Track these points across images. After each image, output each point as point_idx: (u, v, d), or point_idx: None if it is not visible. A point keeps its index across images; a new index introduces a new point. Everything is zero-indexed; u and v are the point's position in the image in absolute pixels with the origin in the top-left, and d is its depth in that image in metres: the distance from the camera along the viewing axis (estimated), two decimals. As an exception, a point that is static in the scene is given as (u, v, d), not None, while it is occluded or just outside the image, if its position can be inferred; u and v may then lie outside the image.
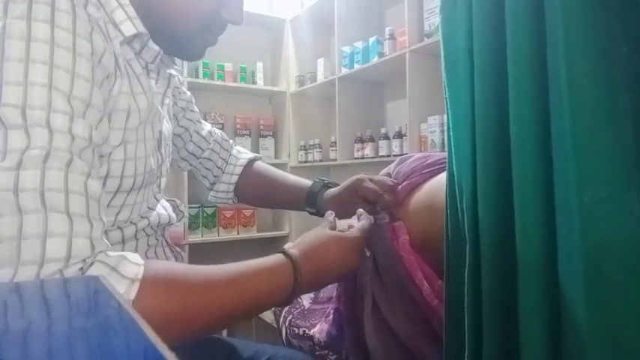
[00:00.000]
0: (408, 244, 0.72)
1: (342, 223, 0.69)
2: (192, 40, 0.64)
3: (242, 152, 0.98)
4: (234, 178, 0.94)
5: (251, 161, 0.96)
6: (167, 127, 0.71)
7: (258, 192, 0.96)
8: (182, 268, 0.50)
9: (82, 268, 0.43)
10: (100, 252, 0.45)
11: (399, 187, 0.79)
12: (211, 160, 0.94)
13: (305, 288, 0.58)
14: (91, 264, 0.44)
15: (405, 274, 0.70)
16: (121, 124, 0.55)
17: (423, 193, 0.76)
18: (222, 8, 0.63)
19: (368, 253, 0.67)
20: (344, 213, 0.77)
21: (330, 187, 0.89)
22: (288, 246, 0.60)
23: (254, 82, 2.63)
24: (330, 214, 0.70)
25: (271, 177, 0.95)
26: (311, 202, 0.88)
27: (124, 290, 0.43)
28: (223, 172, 0.95)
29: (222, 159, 0.95)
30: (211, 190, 0.97)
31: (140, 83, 0.59)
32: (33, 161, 0.42)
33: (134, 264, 0.45)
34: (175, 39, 0.63)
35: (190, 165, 0.94)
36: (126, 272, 0.44)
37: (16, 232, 0.41)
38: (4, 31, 0.44)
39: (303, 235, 0.63)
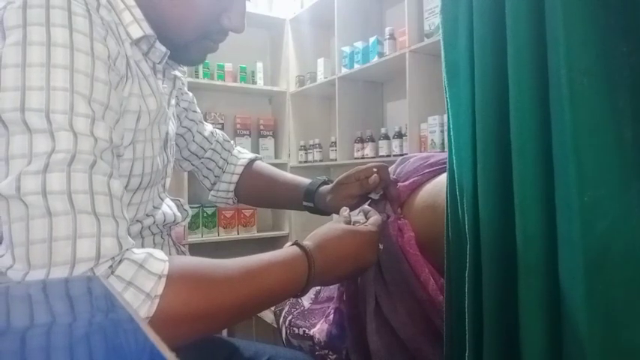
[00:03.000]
0: (414, 241, 0.72)
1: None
2: (191, 47, 0.64)
3: (243, 152, 0.98)
4: (235, 178, 0.94)
5: (251, 161, 0.97)
6: (172, 127, 0.71)
7: (257, 191, 0.96)
8: (204, 263, 0.51)
9: (111, 266, 0.44)
10: (127, 250, 0.46)
11: (399, 184, 0.79)
12: (213, 161, 0.94)
13: (319, 279, 0.59)
14: (120, 262, 0.45)
15: (409, 271, 0.70)
16: (132, 125, 0.56)
17: (425, 192, 0.76)
18: (223, 16, 0.62)
19: (381, 247, 0.67)
20: (340, 200, 0.78)
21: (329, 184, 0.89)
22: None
23: (254, 82, 2.63)
24: (344, 210, 0.71)
25: (271, 175, 0.96)
26: (309, 197, 0.88)
27: (152, 286, 0.44)
28: (224, 172, 0.95)
29: (224, 159, 0.95)
30: (212, 189, 0.97)
31: (149, 85, 0.60)
32: (59, 164, 0.44)
33: (160, 260, 0.47)
34: (173, 46, 0.63)
35: (192, 165, 0.95)
36: (153, 269, 0.46)
37: (46, 234, 0.42)
38: (24, 38, 0.45)
39: (318, 228, 0.64)
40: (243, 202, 0.99)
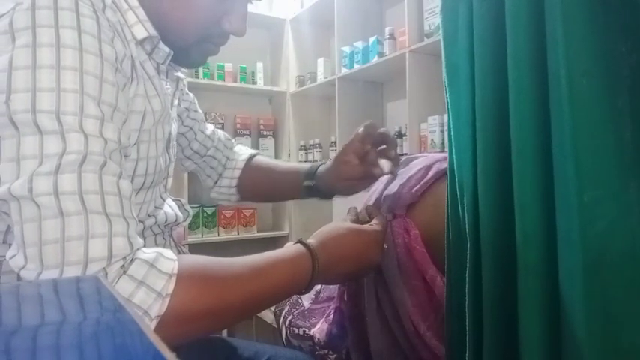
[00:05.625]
0: (420, 238, 0.72)
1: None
2: (191, 50, 0.64)
3: (243, 149, 0.99)
4: (237, 173, 0.95)
5: (252, 156, 0.97)
6: (174, 128, 0.72)
7: (258, 183, 0.96)
8: (212, 261, 0.52)
9: (123, 266, 0.45)
10: (137, 249, 0.47)
11: (413, 189, 0.77)
12: (215, 159, 0.94)
13: (323, 276, 0.59)
14: (131, 261, 0.46)
15: (413, 269, 0.70)
16: (137, 126, 0.57)
17: (427, 192, 0.76)
18: (224, 19, 0.62)
19: (386, 246, 0.67)
20: (343, 181, 0.78)
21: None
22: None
23: (254, 82, 2.63)
24: (353, 209, 0.71)
25: (269, 165, 0.96)
26: (309, 176, 0.86)
27: (163, 285, 0.45)
28: (225, 169, 0.95)
29: (226, 157, 0.95)
30: (214, 187, 0.97)
31: (154, 85, 0.60)
32: (70, 165, 0.44)
33: (170, 259, 0.48)
34: (174, 48, 0.63)
35: (194, 164, 0.95)
36: (163, 268, 0.46)
37: (59, 235, 0.43)
38: (34, 40, 0.45)
39: (323, 227, 0.64)
40: (245, 199, 0.99)
